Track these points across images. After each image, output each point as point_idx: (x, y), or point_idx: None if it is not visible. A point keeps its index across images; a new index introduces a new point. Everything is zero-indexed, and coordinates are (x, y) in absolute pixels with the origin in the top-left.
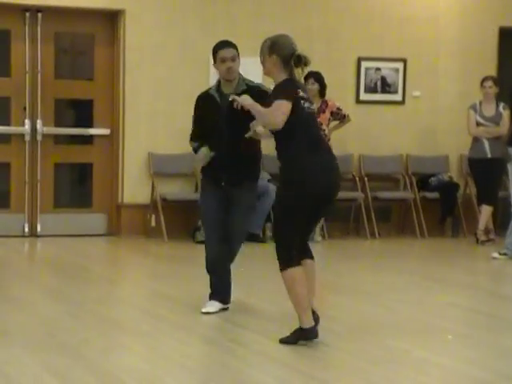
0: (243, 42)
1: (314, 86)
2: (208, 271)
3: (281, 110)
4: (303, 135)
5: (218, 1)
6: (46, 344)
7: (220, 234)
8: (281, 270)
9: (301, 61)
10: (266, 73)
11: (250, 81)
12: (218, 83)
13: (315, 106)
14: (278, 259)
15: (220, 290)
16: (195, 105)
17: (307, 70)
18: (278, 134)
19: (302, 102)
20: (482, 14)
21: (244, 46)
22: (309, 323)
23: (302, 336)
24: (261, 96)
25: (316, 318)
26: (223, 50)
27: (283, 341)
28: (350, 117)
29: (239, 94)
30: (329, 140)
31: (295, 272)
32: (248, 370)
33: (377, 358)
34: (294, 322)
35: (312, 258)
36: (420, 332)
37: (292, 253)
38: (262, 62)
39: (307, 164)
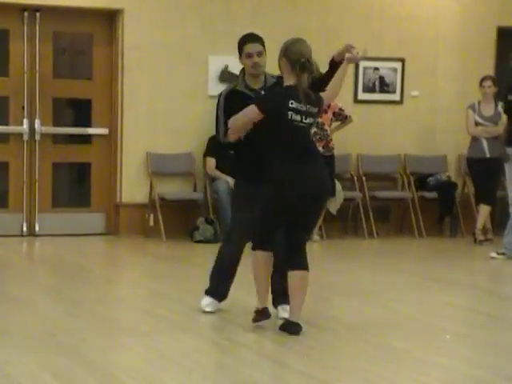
0: None
1: None
2: (220, 270)
3: (240, 127)
4: (286, 146)
5: (217, 0)
6: (46, 344)
7: (245, 235)
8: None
9: (305, 69)
10: (280, 72)
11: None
12: (243, 78)
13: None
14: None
15: (224, 292)
16: (223, 103)
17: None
18: (264, 141)
19: (289, 113)
20: (480, 14)
21: None
22: (263, 304)
23: (259, 317)
24: None
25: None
26: (249, 44)
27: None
28: (351, 118)
29: (270, 89)
30: (331, 140)
31: (258, 255)
32: (247, 369)
33: (376, 357)
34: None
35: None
36: (419, 332)
37: (258, 238)
38: (278, 62)
39: (284, 175)
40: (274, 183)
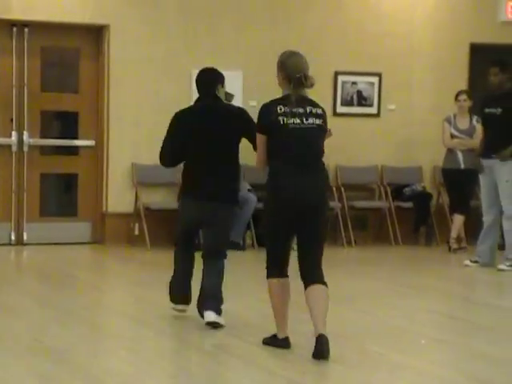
0: (225, 56)
1: None
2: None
3: (259, 157)
4: (284, 154)
5: (201, 15)
6: (33, 349)
7: None
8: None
9: (300, 84)
10: (279, 85)
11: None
12: None
13: None
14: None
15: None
16: None
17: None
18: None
19: (280, 118)
20: (454, 30)
21: (226, 59)
22: (281, 334)
23: (275, 343)
24: None
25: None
26: None
27: (264, 341)
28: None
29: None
30: None
31: (271, 283)
32: (229, 374)
33: (353, 361)
34: (272, 327)
35: (316, 282)
36: (395, 336)
37: (270, 264)
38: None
39: (274, 186)
40: (267, 197)
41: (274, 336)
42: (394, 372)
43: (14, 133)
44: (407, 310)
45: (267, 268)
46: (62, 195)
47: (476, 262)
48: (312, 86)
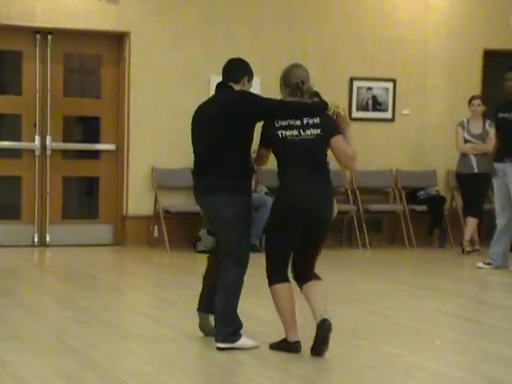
0: None
1: None
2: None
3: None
4: (286, 165)
5: (219, 22)
6: (55, 348)
7: None
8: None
9: (297, 88)
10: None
11: None
12: None
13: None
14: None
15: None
16: None
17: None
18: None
19: (279, 132)
20: (467, 36)
21: None
22: (293, 338)
23: (286, 347)
24: None
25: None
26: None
27: (271, 346)
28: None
29: None
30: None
31: (277, 289)
32: (246, 373)
33: (369, 362)
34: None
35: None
36: (410, 337)
37: (273, 269)
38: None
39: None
40: (279, 199)
41: (285, 340)
42: (409, 372)
43: (37, 137)
44: (422, 311)
45: (272, 274)
46: (84, 198)
47: (489, 264)
48: (309, 92)
